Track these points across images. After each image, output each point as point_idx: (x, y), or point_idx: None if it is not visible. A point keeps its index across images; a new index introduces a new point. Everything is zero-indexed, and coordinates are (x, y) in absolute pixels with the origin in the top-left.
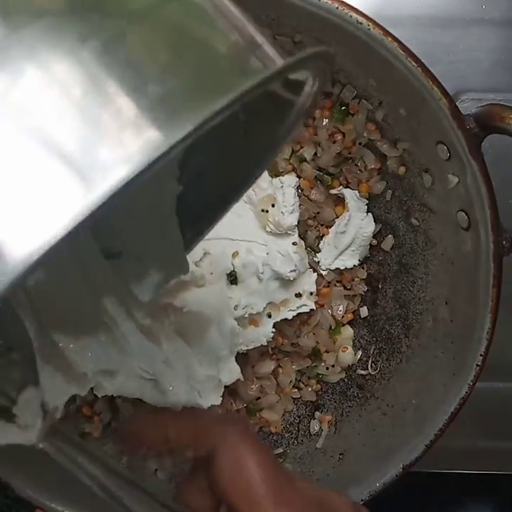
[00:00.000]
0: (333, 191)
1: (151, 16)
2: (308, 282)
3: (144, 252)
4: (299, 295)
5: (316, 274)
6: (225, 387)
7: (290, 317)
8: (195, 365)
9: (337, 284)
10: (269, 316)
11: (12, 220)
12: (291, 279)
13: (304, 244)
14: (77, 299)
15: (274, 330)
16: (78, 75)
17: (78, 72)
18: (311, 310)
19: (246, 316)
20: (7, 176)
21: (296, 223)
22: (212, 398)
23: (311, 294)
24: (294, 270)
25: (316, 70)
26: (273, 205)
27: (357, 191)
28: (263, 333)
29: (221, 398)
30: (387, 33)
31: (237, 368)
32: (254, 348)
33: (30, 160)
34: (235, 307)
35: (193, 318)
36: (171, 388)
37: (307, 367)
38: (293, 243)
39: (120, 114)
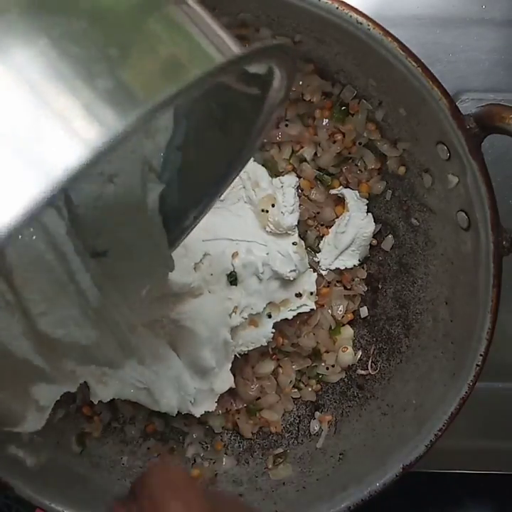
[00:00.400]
0: (333, 191)
1: (106, 15)
2: (309, 282)
3: (130, 251)
4: (299, 295)
5: (316, 274)
6: None
7: (290, 317)
8: (185, 378)
9: (337, 284)
10: (269, 316)
11: None
12: (291, 279)
13: (304, 244)
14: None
15: (274, 330)
16: (35, 65)
17: (34, 64)
18: (312, 310)
19: (246, 317)
20: None
21: (296, 223)
22: (206, 405)
23: (312, 293)
24: (294, 270)
25: (280, 64)
26: (273, 205)
27: (357, 191)
28: (263, 333)
29: (215, 404)
30: (387, 33)
31: (231, 377)
32: (254, 349)
33: None
34: (235, 308)
35: (186, 333)
36: (163, 400)
37: (307, 367)
38: (293, 243)
39: (74, 102)
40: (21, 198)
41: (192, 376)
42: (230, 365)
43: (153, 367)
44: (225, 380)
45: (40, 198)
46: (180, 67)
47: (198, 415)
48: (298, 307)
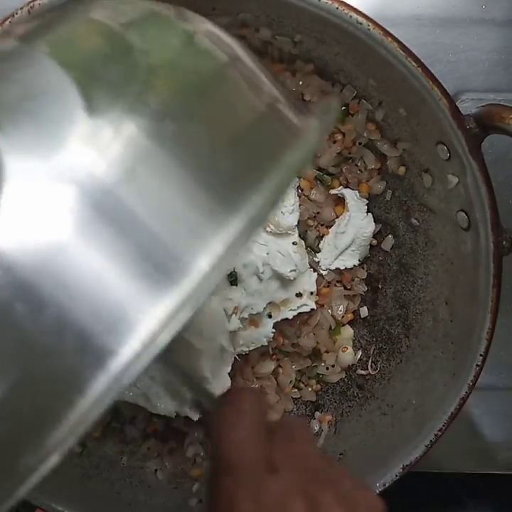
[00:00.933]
0: (333, 191)
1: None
2: (309, 282)
3: None
4: (299, 295)
5: (316, 273)
6: None
7: (291, 317)
8: (178, 386)
9: (337, 284)
10: (270, 316)
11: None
12: (292, 278)
13: (304, 244)
14: None
15: (274, 330)
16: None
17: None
18: (312, 310)
19: (246, 316)
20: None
21: (296, 223)
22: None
23: (312, 293)
24: (294, 270)
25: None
26: None
27: (357, 191)
28: (263, 333)
29: None
30: (387, 33)
31: (228, 380)
32: (254, 349)
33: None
34: (235, 309)
35: (182, 343)
36: (160, 405)
37: (307, 367)
38: (293, 243)
39: (196, 205)
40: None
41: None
42: (229, 368)
43: (150, 372)
44: (221, 384)
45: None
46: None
47: (195, 419)
48: (298, 307)
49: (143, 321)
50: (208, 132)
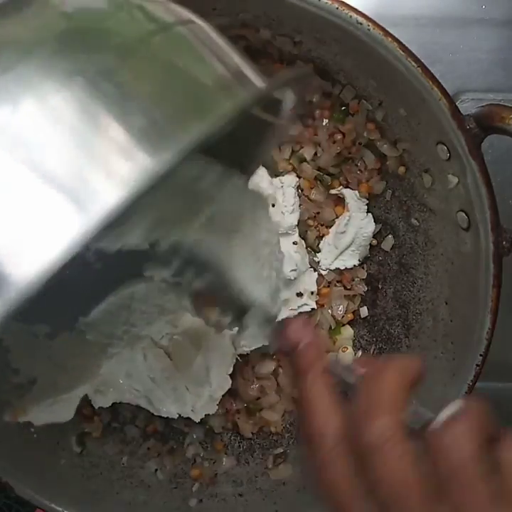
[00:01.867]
0: (333, 191)
1: (135, 50)
2: (309, 282)
3: None
4: (300, 294)
5: (316, 273)
6: None
7: (291, 317)
8: (182, 389)
9: (337, 284)
10: None
11: (12, 245)
12: (292, 278)
13: (304, 243)
14: None
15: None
16: (71, 106)
17: (70, 104)
18: (312, 309)
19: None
20: (5, 204)
21: (297, 223)
22: (206, 410)
23: (312, 293)
24: (295, 269)
25: (295, 89)
26: (273, 205)
27: (357, 191)
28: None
29: (217, 407)
30: (387, 34)
31: (228, 381)
32: (255, 349)
33: (27, 188)
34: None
35: (183, 345)
36: (162, 408)
37: None
38: (293, 243)
39: (110, 142)
40: (68, 233)
41: (188, 387)
42: (231, 369)
43: (151, 374)
44: (222, 385)
45: (82, 235)
46: (210, 102)
47: (197, 420)
48: (299, 306)
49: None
50: (122, 89)
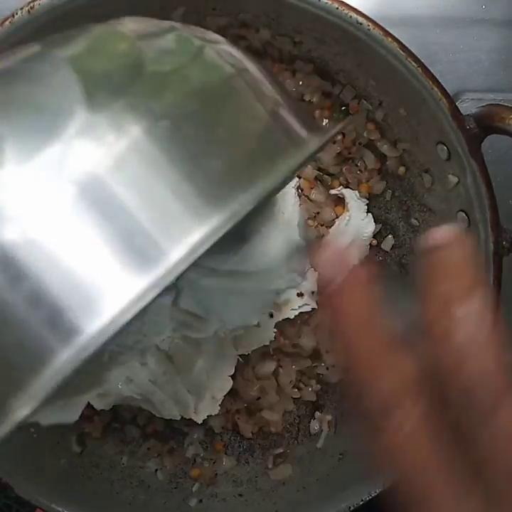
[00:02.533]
0: (333, 191)
1: (214, 94)
2: (310, 281)
3: None
4: (300, 294)
5: (317, 273)
6: None
7: (292, 316)
8: (183, 391)
9: None
10: (271, 315)
11: (84, 293)
12: None
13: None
14: None
15: (275, 330)
16: (152, 153)
17: (153, 151)
18: (313, 309)
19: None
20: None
21: (297, 223)
22: (208, 411)
23: (313, 293)
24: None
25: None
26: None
27: (357, 191)
28: (265, 333)
29: (218, 408)
30: (387, 34)
31: (230, 382)
32: (255, 349)
33: (100, 233)
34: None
35: (184, 348)
36: (163, 411)
37: (307, 367)
38: None
39: (176, 196)
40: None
41: (189, 389)
42: (233, 371)
43: (151, 378)
44: (223, 387)
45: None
46: (276, 154)
47: (200, 422)
48: (299, 306)
49: (112, 302)
50: (203, 133)
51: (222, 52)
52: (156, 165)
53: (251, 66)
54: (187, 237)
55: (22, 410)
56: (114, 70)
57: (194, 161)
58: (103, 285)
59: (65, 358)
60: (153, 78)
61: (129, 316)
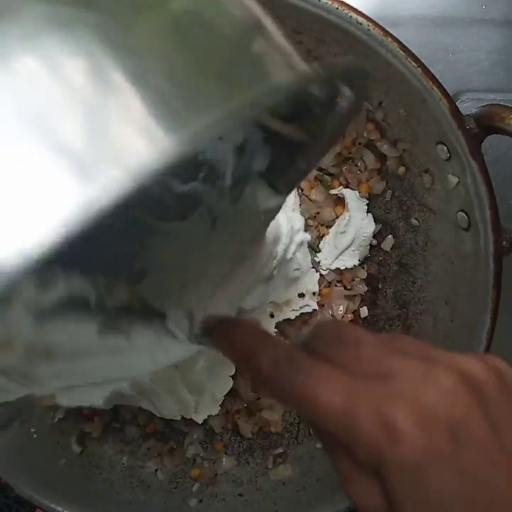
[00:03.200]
0: (333, 191)
1: (160, 7)
2: (311, 282)
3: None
4: (302, 295)
5: (318, 274)
6: None
7: (293, 317)
8: (184, 392)
9: (337, 284)
10: (272, 315)
11: (6, 213)
12: (295, 276)
13: (307, 243)
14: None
15: (276, 330)
16: (82, 62)
17: (82, 59)
18: (314, 310)
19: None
20: (6, 167)
21: None
22: (209, 410)
23: (314, 294)
24: (298, 269)
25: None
26: None
27: (357, 191)
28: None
29: (219, 408)
30: (387, 34)
31: (230, 382)
32: None
33: (30, 151)
34: None
35: None
36: (164, 411)
37: None
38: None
39: (126, 108)
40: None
41: (190, 389)
42: (233, 371)
43: (152, 378)
44: (224, 387)
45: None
46: (247, 79)
47: (200, 422)
48: (300, 307)
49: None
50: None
51: None
52: (106, 77)
53: None
54: (133, 154)
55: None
56: None
57: (129, 82)
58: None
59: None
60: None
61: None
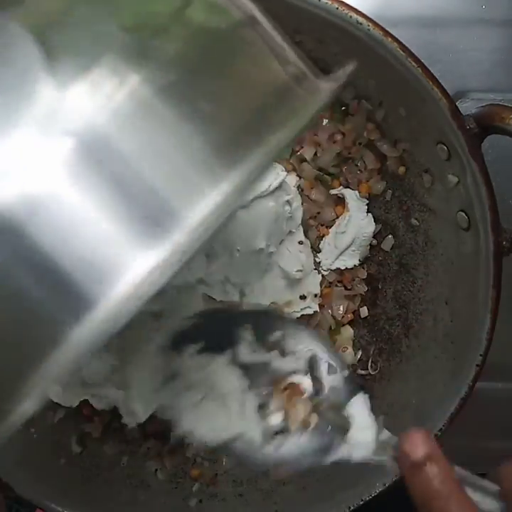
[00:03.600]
0: (333, 191)
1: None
2: (313, 283)
3: None
4: (303, 297)
5: (320, 275)
6: None
7: (294, 318)
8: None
9: (338, 284)
10: None
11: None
12: (297, 277)
13: (309, 243)
14: None
15: None
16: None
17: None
18: (315, 312)
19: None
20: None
21: (300, 222)
22: None
23: (315, 295)
24: (301, 270)
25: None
26: None
27: (357, 191)
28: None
29: None
30: (387, 34)
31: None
32: None
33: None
34: None
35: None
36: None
37: None
38: (299, 242)
39: (190, 156)
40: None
41: None
42: None
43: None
44: None
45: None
46: (287, 111)
47: None
48: (302, 309)
49: (129, 271)
50: (215, 88)
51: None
52: (167, 123)
53: (260, 15)
54: (203, 200)
55: (31, 395)
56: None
57: (206, 118)
58: (116, 255)
59: (79, 336)
60: (157, 24)
61: (150, 287)
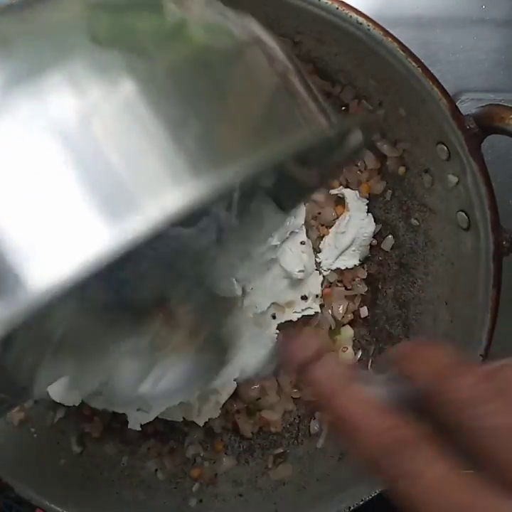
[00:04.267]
0: (333, 191)
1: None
2: (315, 284)
3: None
4: (304, 298)
5: (321, 275)
6: None
7: (295, 319)
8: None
9: (338, 284)
10: (274, 317)
11: (36, 244)
12: (299, 278)
13: (311, 243)
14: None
15: (278, 331)
16: (119, 108)
17: (119, 106)
18: (316, 313)
19: (250, 315)
20: (37, 198)
21: (303, 221)
22: (211, 413)
23: (317, 296)
24: (303, 270)
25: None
26: None
27: (357, 191)
28: (267, 334)
29: (219, 411)
30: (387, 34)
31: (234, 386)
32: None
33: (62, 184)
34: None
35: None
36: (167, 411)
37: None
38: (301, 242)
39: (160, 155)
40: (94, 246)
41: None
42: (237, 373)
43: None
44: (228, 391)
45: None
46: (267, 134)
47: (201, 424)
48: (303, 310)
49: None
50: (202, 100)
51: (234, 17)
52: (141, 119)
53: (267, 38)
54: (161, 198)
55: None
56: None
57: (183, 121)
58: (70, 230)
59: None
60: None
61: (89, 266)
